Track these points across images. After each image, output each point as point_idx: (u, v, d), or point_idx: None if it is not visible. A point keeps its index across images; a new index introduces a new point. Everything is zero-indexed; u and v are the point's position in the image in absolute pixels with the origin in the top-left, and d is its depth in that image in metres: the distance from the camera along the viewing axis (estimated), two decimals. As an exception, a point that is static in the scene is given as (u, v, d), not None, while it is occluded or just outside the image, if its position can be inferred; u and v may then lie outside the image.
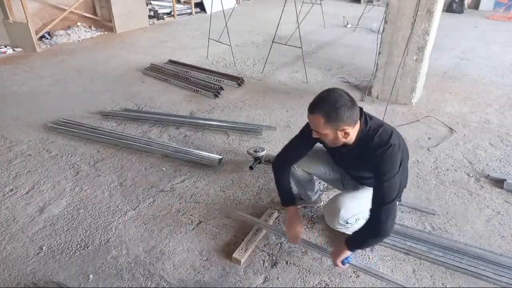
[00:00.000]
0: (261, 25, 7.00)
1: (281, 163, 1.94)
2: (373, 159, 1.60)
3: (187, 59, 5.10)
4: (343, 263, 1.76)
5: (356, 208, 1.84)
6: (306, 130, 1.75)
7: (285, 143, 1.96)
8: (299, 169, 2.04)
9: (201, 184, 2.59)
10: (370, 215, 1.62)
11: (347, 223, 1.85)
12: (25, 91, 4.17)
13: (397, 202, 1.93)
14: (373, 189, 1.65)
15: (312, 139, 1.72)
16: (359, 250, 1.99)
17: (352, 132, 1.60)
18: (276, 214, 2.27)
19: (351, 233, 1.79)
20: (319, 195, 2.33)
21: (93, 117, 3.53)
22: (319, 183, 2.50)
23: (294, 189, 2.15)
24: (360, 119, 1.62)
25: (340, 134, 1.58)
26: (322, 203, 2.35)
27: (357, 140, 1.64)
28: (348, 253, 1.74)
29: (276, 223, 2.23)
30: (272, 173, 2.01)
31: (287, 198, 1.96)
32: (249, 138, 3.16)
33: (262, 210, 2.33)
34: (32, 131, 3.28)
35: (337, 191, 2.23)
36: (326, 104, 1.51)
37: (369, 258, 2.00)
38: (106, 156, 2.92)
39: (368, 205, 1.68)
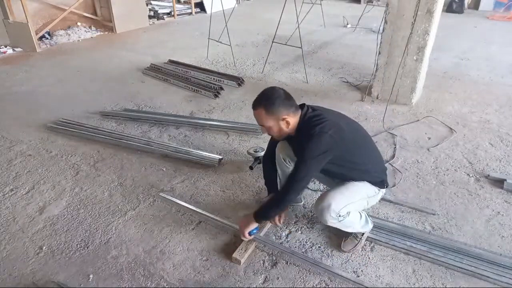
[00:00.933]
0: (261, 25, 7.00)
1: (267, 159, 2.20)
2: (303, 142, 1.74)
3: (187, 59, 5.10)
4: (250, 234, 1.93)
5: (345, 200, 1.84)
6: None
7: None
8: (290, 167, 2.10)
9: (201, 184, 2.59)
10: (280, 188, 1.87)
11: (339, 216, 1.84)
12: (25, 91, 4.17)
13: (382, 190, 1.98)
14: (295, 164, 1.80)
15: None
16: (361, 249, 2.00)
17: (292, 121, 1.78)
18: (276, 214, 2.27)
19: (344, 228, 1.93)
20: (300, 195, 2.35)
21: (93, 117, 3.53)
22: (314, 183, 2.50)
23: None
24: (302, 111, 1.80)
25: (282, 124, 1.77)
26: (302, 202, 2.37)
27: (297, 130, 1.81)
28: (255, 224, 1.91)
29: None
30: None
31: (272, 186, 2.20)
32: (249, 138, 3.16)
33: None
34: (32, 131, 3.28)
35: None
36: (263, 98, 1.75)
37: (369, 258, 2.00)
38: (106, 156, 2.92)
39: (357, 197, 1.82)
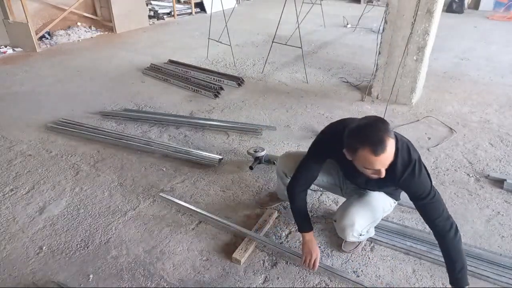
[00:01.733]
0: (261, 25, 7.00)
1: (296, 188, 1.83)
2: (403, 182, 1.53)
3: (187, 59, 5.10)
4: None
5: (369, 218, 1.82)
6: (317, 151, 1.71)
7: (300, 163, 1.83)
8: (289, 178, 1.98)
9: (201, 184, 2.59)
10: (447, 235, 1.51)
11: (360, 235, 1.85)
12: (25, 91, 4.17)
13: (396, 202, 1.94)
14: (423, 210, 1.56)
15: (322, 160, 1.68)
16: (359, 251, 2.01)
17: None
18: (276, 214, 2.27)
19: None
20: None
21: (93, 117, 3.53)
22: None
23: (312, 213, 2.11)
24: None
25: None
26: None
27: None
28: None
29: (276, 223, 2.23)
30: (289, 195, 1.90)
31: (305, 225, 1.87)
32: (249, 138, 3.16)
33: (262, 210, 2.33)
34: (32, 131, 3.28)
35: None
36: (382, 129, 1.39)
37: (369, 258, 2.00)
38: (106, 156, 2.92)
39: (379, 214, 1.73)
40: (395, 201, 1.91)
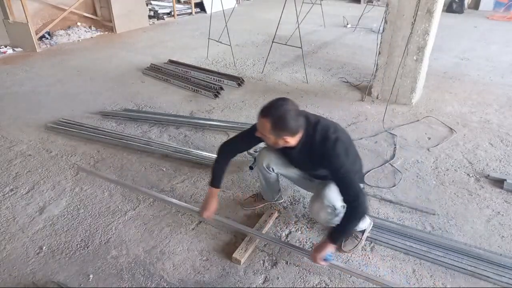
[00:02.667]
0: (261, 25, 7.00)
1: (228, 149, 2.04)
2: (322, 158, 1.71)
3: (187, 59, 5.10)
4: (325, 259, 1.80)
5: (336, 194, 1.83)
6: (254, 129, 1.83)
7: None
8: (274, 172, 2.11)
9: (201, 184, 2.59)
10: (349, 206, 1.73)
11: (335, 209, 1.85)
12: (25, 91, 4.17)
13: (363, 185, 1.97)
14: (337, 185, 1.74)
15: (257, 138, 1.81)
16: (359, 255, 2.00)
17: (292, 141, 1.73)
18: (276, 214, 2.27)
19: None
20: (280, 194, 2.37)
21: (93, 117, 3.53)
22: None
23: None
24: (305, 123, 1.73)
25: (280, 141, 1.72)
26: (282, 200, 2.38)
27: (301, 142, 1.76)
28: (331, 248, 1.79)
29: (276, 224, 2.23)
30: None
31: (218, 180, 2.04)
32: (249, 138, 3.15)
33: (262, 210, 2.33)
34: (32, 131, 3.28)
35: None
36: (277, 114, 1.64)
37: (369, 258, 2.00)
38: (106, 156, 2.92)
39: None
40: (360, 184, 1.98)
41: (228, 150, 2.03)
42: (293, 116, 1.65)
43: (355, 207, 1.71)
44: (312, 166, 1.93)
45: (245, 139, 1.95)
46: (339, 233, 1.78)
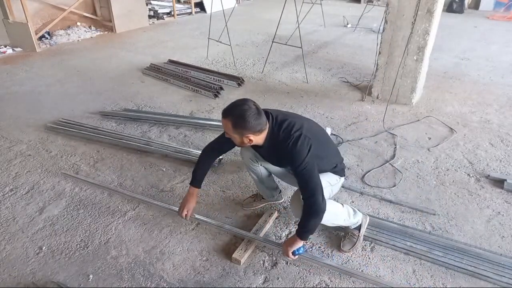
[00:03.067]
0: (261, 25, 7.00)
1: (210, 150, 2.10)
2: (284, 154, 1.75)
3: (187, 59, 5.10)
4: (294, 253, 1.86)
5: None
6: None
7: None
8: (259, 165, 2.14)
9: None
10: (305, 203, 1.76)
11: None
12: (25, 91, 4.16)
13: (342, 178, 2.04)
14: (296, 179, 1.77)
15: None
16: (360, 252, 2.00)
17: (257, 139, 1.77)
18: (276, 215, 2.27)
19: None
20: (279, 193, 2.38)
21: (93, 117, 3.53)
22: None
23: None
24: (268, 122, 1.78)
25: (245, 140, 1.76)
26: (282, 200, 2.39)
27: (267, 141, 1.81)
28: (300, 243, 1.85)
29: (276, 224, 2.23)
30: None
31: (197, 179, 2.09)
32: (249, 138, 3.15)
33: (262, 210, 2.33)
34: (32, 131, 3.28)
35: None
36: (236, 113, 1.71)
37: (369, 258, 1.99)
38: (106, 156, 2.91)
39: (323, 184, 1.79)
40: (339, 177, 2.03)
41: (209, 150, 2.09)
42: (252, 114, 1.69)
43: (310, 205, 1.75)
44: (281, 164, 2.02)
45: (224, 139, 1.95)
46: (302, 229, 1.83)
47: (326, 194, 1.92)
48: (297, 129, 1.77)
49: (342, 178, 2.07)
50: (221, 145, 2.03)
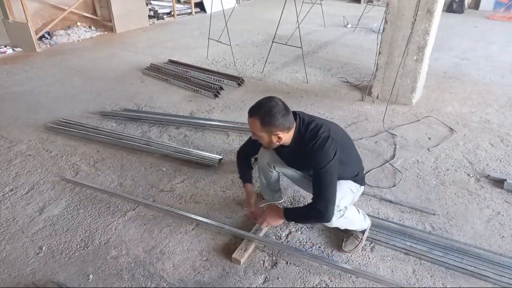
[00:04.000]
0: (261, 25, 7.00)
1: (241, 154, 2.16)
2: (308, 154, 1.73)
3: (187, 59, 5.10)
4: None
5: (339, 194, 1.81)
6: None
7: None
8: (274, 171, 2.14)
9: (201, 184, 2.59)
10: (316, 205, 1.72)
11: (340, 210, 1.82)
12: (25, 91, 4.16)
13: (362, 187, 2.01)
14: (313, 180, 1.75)
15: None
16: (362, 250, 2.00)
17: (285, 137, 1.75)
18: (276, 214, 2.26)
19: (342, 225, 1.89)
20: (280, 194, 2.39)
21: (93, 117, 3.53)
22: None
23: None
24: (296, 121, 1.77)
25: (274, 138, 1.74)
26: (282, 200, 2.40)
27: (293, 141, 1.79)
28: (280, 221, 1.90)
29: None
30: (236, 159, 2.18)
31: (245, 176, 2.13)
32: (249, 138, 3.15)
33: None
34: (32, 131, 3.28)
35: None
36: (263, 110, 1.69)
37: (369, 258, 1.99)
38: (106, 156, 2.91)
39: (346, 191, 1.81)
40: (360, 185, 1.99)
41: (242, 153, 2.15)
42: (280, 110, 1.68)
43: (317, 209, 1.70)
44: (302, 166, 1.97)
45: (252, 141, 1.96)
46: (293, 213, 1.87)
47: (348, 201, 1.93)
48: (324, 131, 1.74)
49: (362, 187, 2.02)
50: (252, 146, 2.05)
